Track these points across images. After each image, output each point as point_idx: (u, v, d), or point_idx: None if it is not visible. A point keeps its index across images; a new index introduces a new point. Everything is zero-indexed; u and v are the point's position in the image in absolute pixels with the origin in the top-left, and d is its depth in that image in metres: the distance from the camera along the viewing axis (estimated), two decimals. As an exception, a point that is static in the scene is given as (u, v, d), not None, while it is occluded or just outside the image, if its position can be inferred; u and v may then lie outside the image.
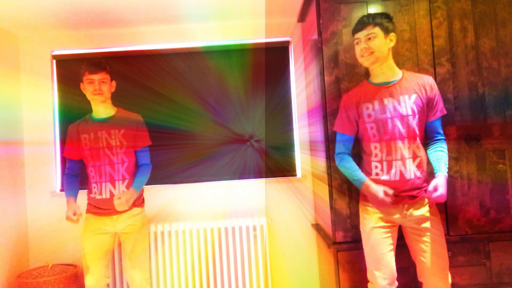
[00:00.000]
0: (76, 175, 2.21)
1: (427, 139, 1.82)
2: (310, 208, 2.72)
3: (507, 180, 2.07)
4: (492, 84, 2.09)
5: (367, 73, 2.08)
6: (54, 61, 2.74)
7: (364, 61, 1.75)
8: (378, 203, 1.69)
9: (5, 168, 2.48)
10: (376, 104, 1.75)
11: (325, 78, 2.10)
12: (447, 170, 1.69)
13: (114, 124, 2.11)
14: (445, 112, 1.77)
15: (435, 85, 1.75)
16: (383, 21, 1.71)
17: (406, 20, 2.10)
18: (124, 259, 2.12)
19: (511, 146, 2.07)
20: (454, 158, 2.07)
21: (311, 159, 2.65)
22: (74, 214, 1.99)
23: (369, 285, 1.81)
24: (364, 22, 1.71)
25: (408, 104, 1.71)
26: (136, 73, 2.72)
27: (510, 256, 2.05)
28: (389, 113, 1.73)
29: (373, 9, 2.09)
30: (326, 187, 2.15)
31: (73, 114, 2.71)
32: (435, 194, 1.60)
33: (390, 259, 1.73)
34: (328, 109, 2.10)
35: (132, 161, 2.13)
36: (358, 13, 2.09)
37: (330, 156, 2.10)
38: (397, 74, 1.77)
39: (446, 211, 2.07)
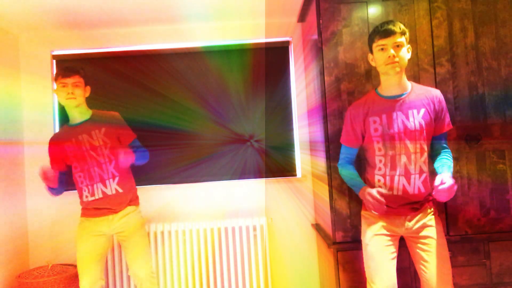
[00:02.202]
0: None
1: (433, 152, 1.78)
2: (310, 208, 2.72)
3: (507, 180, 2.07)
4: (492, 84, 2.09)
5: (367, 74, 2.08)
6: (54, 61, 2.74)
7: (390, 69, 1.66)
8: (374, 207, 1.65)
9: (5, 168, 2.48)
10: (384, 118, 1.71)
11: (325, 78, 2.10)
12: (451, 172, 1.64)
13: (92, 125, 2.07)
14: (451, 126, 1.73)
15: (443, 99, 1.71)
16: (407, 31, 1.67)
17: (406, 20, 2.10)
18: (126, 259, 2.12)
19: (511, 146, 2.07)
20: (454, 158, 2.07)
21: (311, 159, 2.65)
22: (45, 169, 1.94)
23: None
24: (392, 30, 1.64)
25: (416, 119, 1.67)
26: (136, 73, 2.71)
27: (510, 256, 2.05)
28: (396, 128, 1.68)
29: (373, 9, 2.09)
30: (326, 187, 2.15)
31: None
32: (442, 186, 1.51)
33: (391, 267, 1.69)
34: (328, 109, 2.09)
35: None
36: (358, 13, 2.09)
37: (330, 156, 2.10)
38: (407, 87, 1.72)
39: (446, 211, 2.07)
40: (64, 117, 2.71)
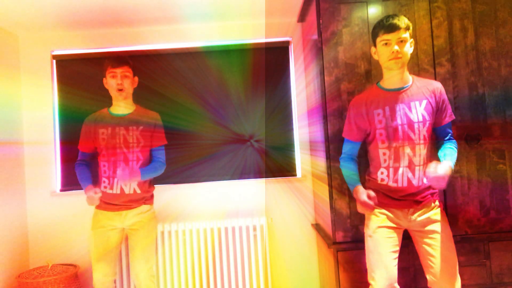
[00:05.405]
0: (87, 164, 2.23)
1: (438, 143, 1.79)
2: (310, 208, 2.72)
3: (507, 180, 2.07)
4: (492, 84, 2.09)
5: (367, 74, 2.08)
6: (54, 61, 2.74)
7: (393, 65, 1.68)
8: (362, 205, 1.69)
9: (5, 168, 2.48)
10: (387, 111, 1.72)
11: (325, 78, 2.10)
12: (453, 163, 1.65)
13: (132, 121, 2.11)
14: (453, 117, 1.75)
15: (444, 91, 1.73)
16: (411, 25, 1.69)
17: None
18: (130, 255, 2.13)
19: (511, 146, 2.07)
20: (454, 158, 2.08)
21: (311, 159, 2.65)
22: (95, 193, 2.02)
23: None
24: (397, 25, 1.64)
25: (419, 111, 1.69)
26: (136, 73, 2.71)
27: (510, 256, 2.05)
28: (399, 120, 1.70)
29: (373, 9, 2.10)
30: (326, 187, 2.15)
31: (73, 114, 2.70)
32: (434, 174, 1.52)
33: (391, 261, 1.70)
34: (328, 109, 2.10)
35: (147, 159, 2.15)
36: (358, 13, 2.09)
37: (330, 156, 2.10)
38: (409, 80, 1.75)
39: (446, 211, 2.07)
40: (64, 117, 2.71)
